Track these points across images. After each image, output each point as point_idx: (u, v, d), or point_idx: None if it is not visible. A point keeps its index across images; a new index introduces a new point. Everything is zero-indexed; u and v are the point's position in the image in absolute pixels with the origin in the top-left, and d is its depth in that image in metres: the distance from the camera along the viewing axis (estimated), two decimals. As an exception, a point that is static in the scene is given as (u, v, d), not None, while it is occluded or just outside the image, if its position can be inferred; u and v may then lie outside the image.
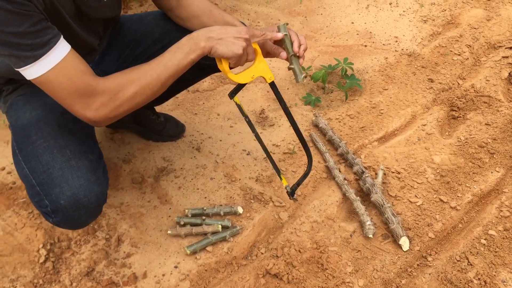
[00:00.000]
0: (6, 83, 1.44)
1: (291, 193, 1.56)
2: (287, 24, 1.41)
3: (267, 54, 1.46)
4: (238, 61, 1.29)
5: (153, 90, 1.25)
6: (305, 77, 1.39)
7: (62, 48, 1.14)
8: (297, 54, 1.40)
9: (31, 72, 1.12)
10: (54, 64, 1.12)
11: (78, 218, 1.31)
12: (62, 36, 1.15)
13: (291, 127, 1.64)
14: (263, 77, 1.40)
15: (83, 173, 1.28)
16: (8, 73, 1.35)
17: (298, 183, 1.56)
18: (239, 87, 1.39)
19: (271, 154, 2.01)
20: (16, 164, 1.35)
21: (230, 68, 1.32)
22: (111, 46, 1.63)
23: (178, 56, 1.24)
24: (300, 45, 1.41)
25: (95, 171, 1.31)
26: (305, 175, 1.55)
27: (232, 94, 1.40)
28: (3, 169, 1.92)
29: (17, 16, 1.04)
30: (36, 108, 1.37)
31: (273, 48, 1.42)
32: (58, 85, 1.14)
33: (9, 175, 1.90)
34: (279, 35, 1.38)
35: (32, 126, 1.33)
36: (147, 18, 1.68)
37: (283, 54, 1.40)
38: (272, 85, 1.43)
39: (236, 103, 1.43)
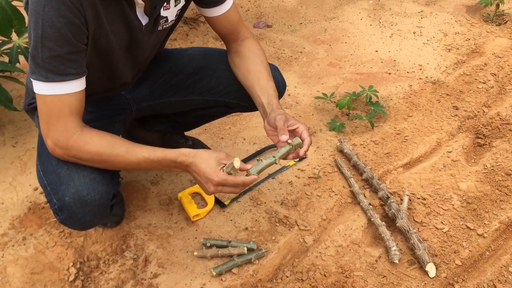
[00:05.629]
0: None
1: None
2: (301, 144, 1.37)
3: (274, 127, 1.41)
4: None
5: (111, 167, 1.34)
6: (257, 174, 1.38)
7: (74, 86, 1.20)
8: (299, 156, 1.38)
9: (36, 85, 1.18)
10: (56, 93, 1.18)
11: (82, 216, 1.34)
12: (83, 78, 1.21)
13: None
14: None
15: (88, 173, 1.31)
16: None
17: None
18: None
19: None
20: (36, 169, 1.41)
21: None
22: (146, 75, 1.69)
23: (156, 167, 1.33)
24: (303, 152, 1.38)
25: (101, 172, 1.34)
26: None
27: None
28: (36, 189, 1.98)
29: (64, 38, 1.11)
30: None
31: (282, 128, 1.36)
32: (48, 110, 1.20)
33: (41, 195, 1.95)
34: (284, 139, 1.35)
35: None
36: (186, 52, 1.73)
37: (285, 137, 1.34)
38: None
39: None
